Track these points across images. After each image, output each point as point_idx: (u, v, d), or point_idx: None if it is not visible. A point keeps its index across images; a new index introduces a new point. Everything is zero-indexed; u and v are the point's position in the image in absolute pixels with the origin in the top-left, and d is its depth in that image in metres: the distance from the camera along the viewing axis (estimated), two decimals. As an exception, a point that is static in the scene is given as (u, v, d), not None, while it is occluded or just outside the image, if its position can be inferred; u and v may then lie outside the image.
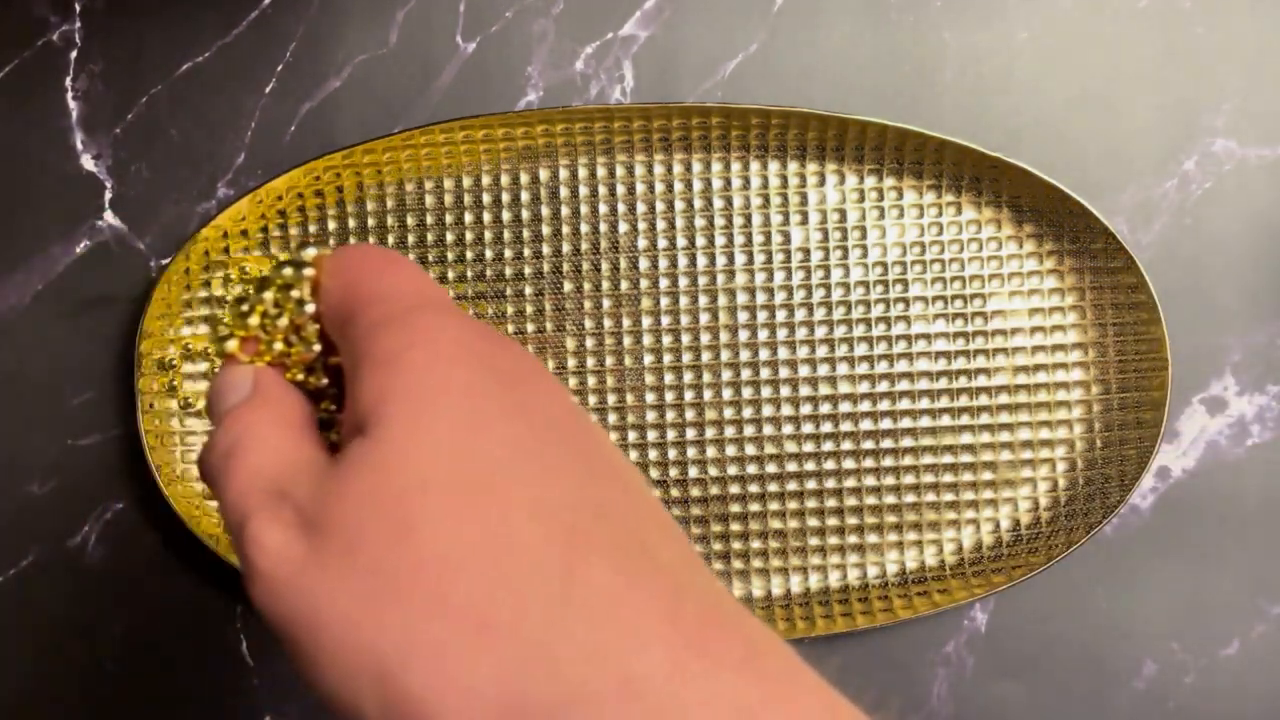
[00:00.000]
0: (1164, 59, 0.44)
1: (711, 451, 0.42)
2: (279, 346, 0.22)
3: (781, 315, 0.42)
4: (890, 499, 0.42)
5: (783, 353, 0.43)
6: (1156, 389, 0.41)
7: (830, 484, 0.42)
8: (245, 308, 0.22)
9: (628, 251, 0.43)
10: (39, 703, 0.43)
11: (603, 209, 0.43)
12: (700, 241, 0.43)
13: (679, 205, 0.43)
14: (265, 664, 0.43)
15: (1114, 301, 0.42)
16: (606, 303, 0.43)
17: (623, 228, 0.43)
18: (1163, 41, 0.44)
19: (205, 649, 0.43)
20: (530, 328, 0.43)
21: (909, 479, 0.42)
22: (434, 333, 0.18)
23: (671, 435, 0.42)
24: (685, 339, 0.42)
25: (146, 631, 0.43)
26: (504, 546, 0.17)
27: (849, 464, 0.42)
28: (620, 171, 0.43)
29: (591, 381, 0.42)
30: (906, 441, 0.42)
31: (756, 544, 0.42)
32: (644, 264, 0.43)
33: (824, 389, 0.42)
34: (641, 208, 0.43)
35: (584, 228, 0.43)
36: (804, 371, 0.43)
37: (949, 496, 0.43)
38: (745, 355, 0.42)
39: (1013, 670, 0.43)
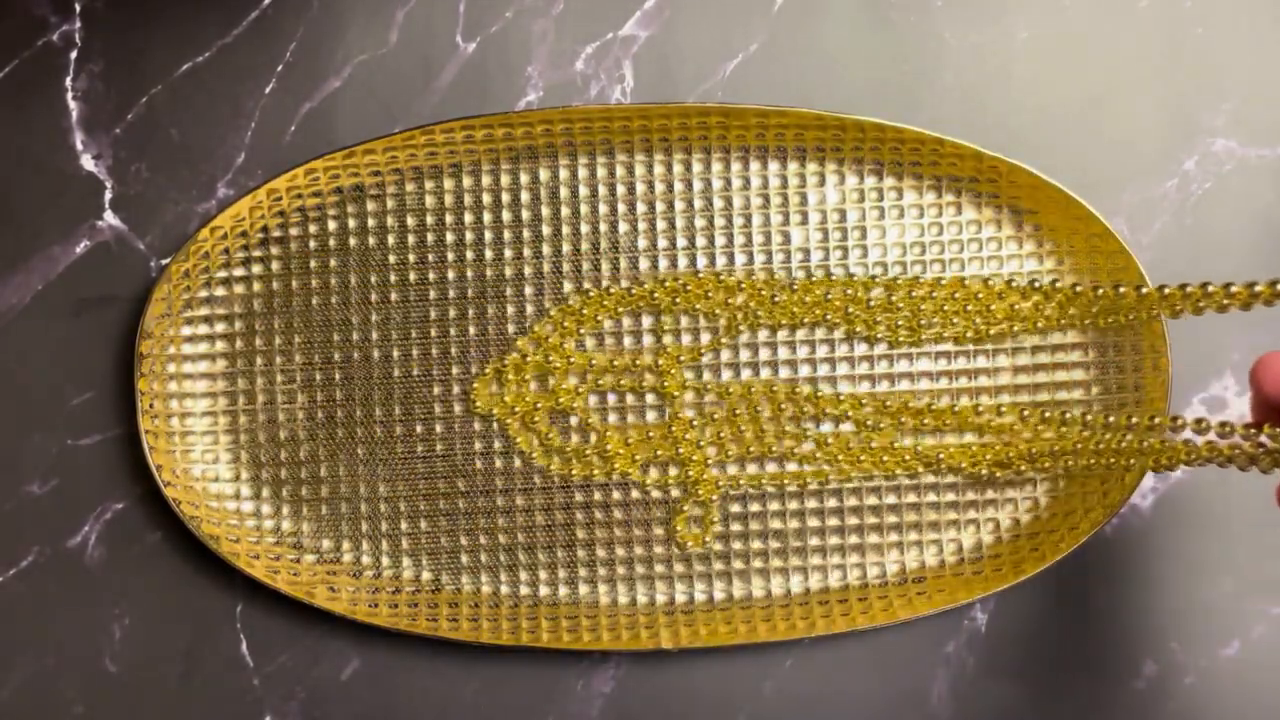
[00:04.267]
0: (1164, 59, 0.44)
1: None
2: None
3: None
4: (890, 499, 0.42)
5: (783, 352, 0.43)
6: (1157, 389, 0.41)
7: (830, 484, 0.42)
8: None
9: (628, 251, 0.43)
10: (39, 703, 0.43)
11: (603, 209, 0.43)
12: (700, 241, 0.43)
13: (679, 205, 0.43)
14: (265, 664, 0.43)
15: (1114, 301, 0.42)
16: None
17: (623, 228, 0.43)
18: (1163, 41, 0.44)
19: (205, 649, 0.43)
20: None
21: (909, 479, 0.42)
22: None
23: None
24: (685, 339, 0.42)
25: (146, 631, 0.43)
26: None
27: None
28: (620, 171, 0.43)
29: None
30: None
31: (756, 544, 0.42)
32: (644, 264, 0.43)
33: (824, 388, 0.42)
34: (641, 208, 0.43)
35: (584, 228, 0.43)
36: (804, 371, 0.43)
37: (949, 496, 0.43)
38: (745, 355, 0.42)
39: (1013, 670, 0.43)
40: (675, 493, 0.42)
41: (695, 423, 0.42)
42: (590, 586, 0.42)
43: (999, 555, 0.42)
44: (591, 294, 0.42)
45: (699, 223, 0.43)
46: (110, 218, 0.43)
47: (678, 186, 0.43)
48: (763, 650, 0.43)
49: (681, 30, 0.44)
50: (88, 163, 0.43)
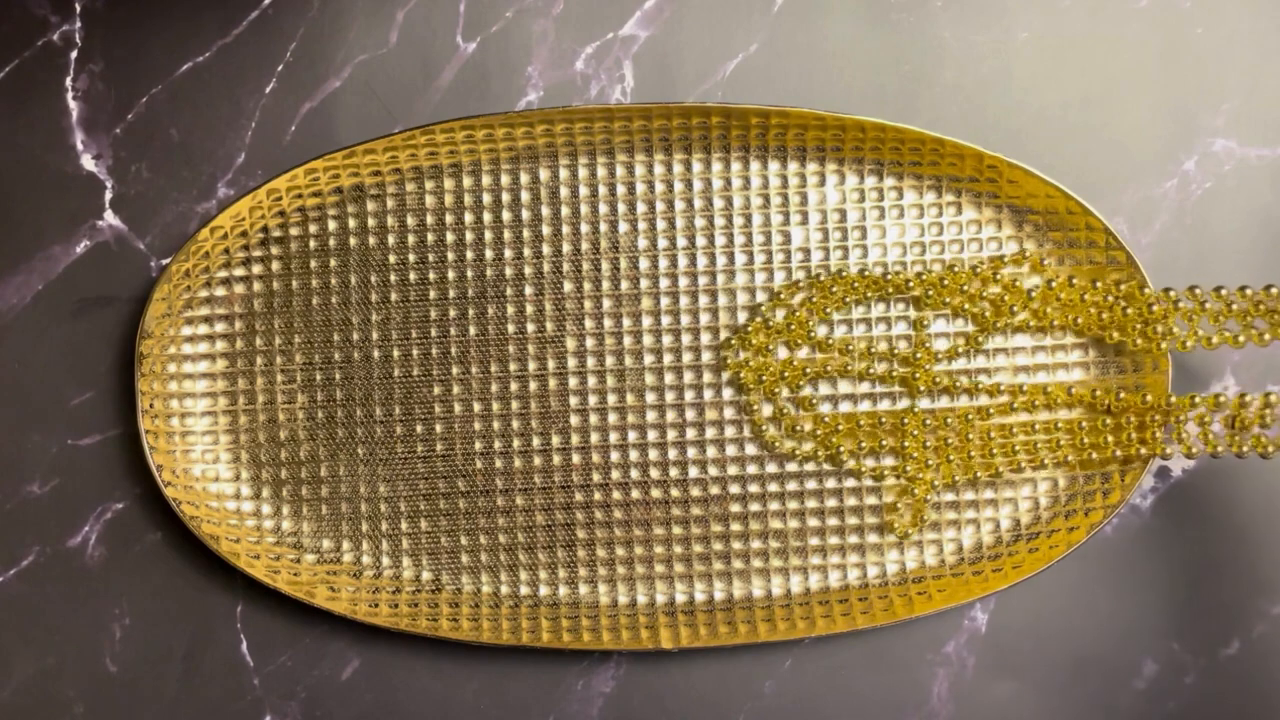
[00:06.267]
0: (1164, 59, 0.44)
1: (712, 451, 0.42)
2: None
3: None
4: (890, 499, 0.42)
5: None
6: (1157, 389, 0.41)
7: (831, 484, 0.42)
8: None
9: (628, 251, 0.43)
10: (39, 703, 0.43)
11: (603, 209, 0.43)
12: (700, 241, 0.43)
13: (679, 205, 0.43)
14: (265, 664, 0.43)
15: (1114, 301, 0.42)
16: (606, 303, 0.43)
17: (623, 228, 0.43)
18: (1163, 41, 0.44)
19: (205, 649, 0.43)
20: (530, 328, 0.43)
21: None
22: None
23: (672, 435, 0.42)
24: (685, 339, 0.42)
25: (146, 631, 0.43)
26: None
27: (849, 463, 0.42)
28: (620, 171, 0.43)
29: (592, 381, 0.42)
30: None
31: (756, 544, 0.42)
32: (644, 264, 0.43)
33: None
34: (641, 208, 0.43)
35: (584, 228, 0.43)
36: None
37: (949, 496, 0.43)
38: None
39: (1013, 670, 0.43)
40: (890, 481, 0.42)
41: (928, 422, 0.42)
42: (590, 586, 0.42)
43: (999, 555, 0.42)
44: (844, 275, 0.42)
45: (699, 223, 0.43)
46: (110, 218, 0.43)
47: (678, 186, 0.43)
48: (763, 650, 0.43)
49: (681, 30, 0.44)
50: (88, 163, 0.43)
